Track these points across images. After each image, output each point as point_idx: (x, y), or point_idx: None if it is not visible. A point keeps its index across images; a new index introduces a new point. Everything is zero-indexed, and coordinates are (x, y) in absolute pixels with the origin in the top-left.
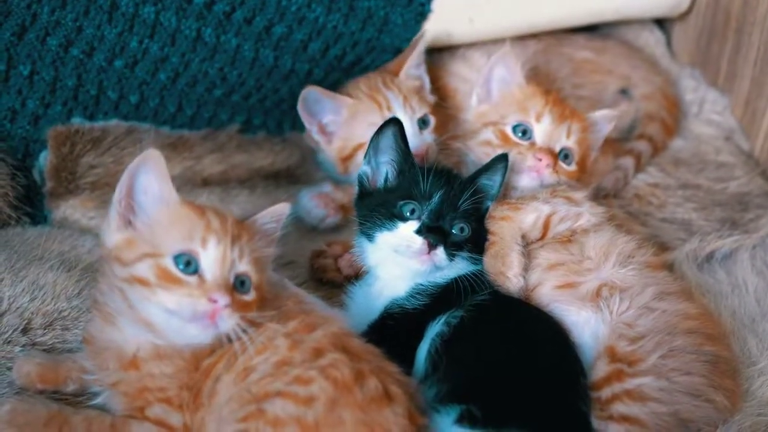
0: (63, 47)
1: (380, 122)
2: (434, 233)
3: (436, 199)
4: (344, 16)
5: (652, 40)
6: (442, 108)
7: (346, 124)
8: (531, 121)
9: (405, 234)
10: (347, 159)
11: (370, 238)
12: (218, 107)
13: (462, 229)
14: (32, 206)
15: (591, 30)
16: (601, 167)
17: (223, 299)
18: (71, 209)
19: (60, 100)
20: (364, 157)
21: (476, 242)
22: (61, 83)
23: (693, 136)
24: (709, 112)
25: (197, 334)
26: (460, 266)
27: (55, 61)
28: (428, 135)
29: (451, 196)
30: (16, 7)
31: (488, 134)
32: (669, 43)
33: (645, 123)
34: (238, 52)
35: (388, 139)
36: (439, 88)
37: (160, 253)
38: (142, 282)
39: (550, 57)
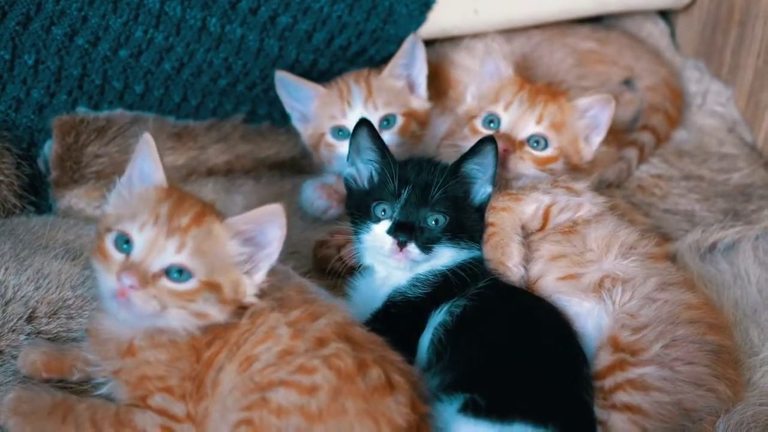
0: (68, 37)
1: (339, 115)
2: (402, 231)
3: (404, 195)
4: (349, 7)
5: (656, 31)
6: (441, 103)
7: (316, 112)
8: (499, 111)
9: (377, 235)
10: (315, 147)
11: (358, 239)
12: (223, 97)
13: (437, 221)
14: (37, 195)
15: (595, 21)
16: (605, 158)
17: (128, 280)
18: (76, 198)
19: (65, 89)
20: (347, 158)
21: (463, 229)
22: (66, 73)
23: (696, 128)
24: (712, 103)
25: (118, 312)
26: (450, 255)
27: (60, 51)
28: (390, 135)
29: (422, 190)
30: None
31: (465, 129)
32: (673, 35)
33: (648, 114)
34: (243, 42)
35: (364, 139)
36: (442, 79)
37: (110, 228)
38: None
39: (554, 47)
